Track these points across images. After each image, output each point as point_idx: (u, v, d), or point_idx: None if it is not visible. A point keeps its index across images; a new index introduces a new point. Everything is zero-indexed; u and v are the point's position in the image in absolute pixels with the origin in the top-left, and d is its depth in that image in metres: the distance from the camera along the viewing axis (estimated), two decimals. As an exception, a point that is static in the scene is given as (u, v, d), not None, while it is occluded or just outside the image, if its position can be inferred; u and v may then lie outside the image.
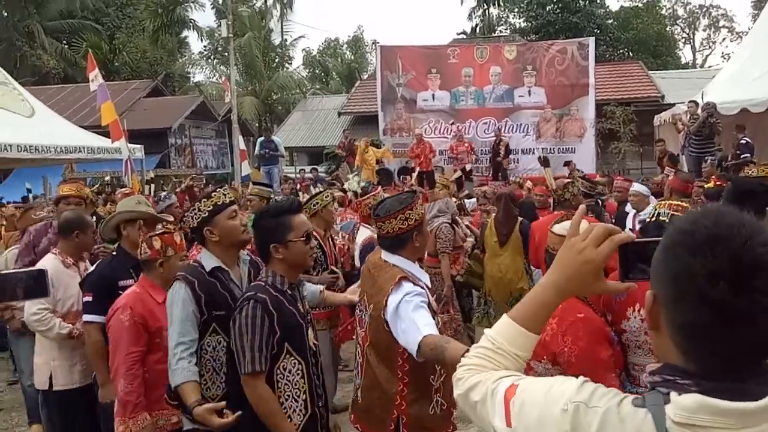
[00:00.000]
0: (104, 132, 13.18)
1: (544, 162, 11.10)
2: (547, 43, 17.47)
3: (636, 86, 20.45)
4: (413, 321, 2.37)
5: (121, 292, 3.31)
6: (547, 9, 30.32)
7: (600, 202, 7.15)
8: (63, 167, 14.74)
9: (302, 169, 18.94)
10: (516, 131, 15.64)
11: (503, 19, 37.28)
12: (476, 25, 36.29)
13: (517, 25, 34.40)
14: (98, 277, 3.51)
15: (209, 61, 33.11)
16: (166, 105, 24.37)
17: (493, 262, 5.93)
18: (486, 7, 36.21)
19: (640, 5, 36.62)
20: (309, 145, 24.69)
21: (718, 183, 7.28)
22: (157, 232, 3.22)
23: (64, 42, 30.43)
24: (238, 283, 2.81)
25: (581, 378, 1.09)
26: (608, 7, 33.81)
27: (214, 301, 2.67)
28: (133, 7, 32.75)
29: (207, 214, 2.74)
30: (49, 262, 3.79)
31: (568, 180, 5.53)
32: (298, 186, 13.01)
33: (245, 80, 28.63)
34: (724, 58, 38.84)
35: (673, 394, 0.96)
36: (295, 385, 2.54)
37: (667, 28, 37.55)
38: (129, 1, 33.32)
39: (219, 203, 2.77)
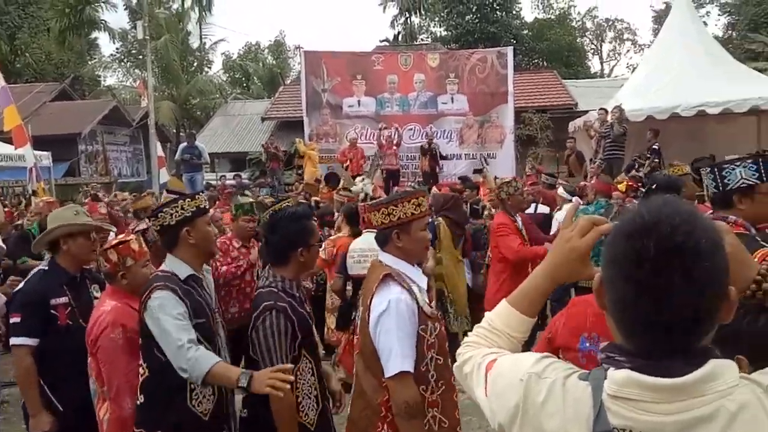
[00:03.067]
0: (6, 138, 12.31)
1: (480, 170, 11.30)
2: (469, 51, 17.88)
3: (551, 94, 21.29)
4: (393, 344, 2.31)
5: (53, 311, 3.16)
6: (466, 19, 31.10)
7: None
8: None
9: (223, 176, 18.39)
10: (440, 137, 15.86)
11: (425, 28, 37.91)
12: (398, 33, 36.64)
13: (438, 34, 35.04)
14: (27, 296, 3.22)
15: (122, 64, 31.66)
16: (76, 109, 23.11)
17: (450, 264, 5.90)
18: (408, 15, 36.65)
19: (552, 17, 38.28)
20: (231, 150, 24.07)
21: (630, 185, 7.64)
22: (112, 244, 3.07)
23: (-41, 41, 28.28)
24: (209, 292, 2.75)
25: (542, 354, 1.21)
26: (523, 18, 35.14)
27: (195, 309, 2.58)
28: (37, 6, 30.81)
29: (190, 213, 2.63)
30: None
31: (506, 180, 5.60)
32: (220, 193, 12.61)
33: (162, 84, 27.58)
34: (629, 69, 41.15)
35: (611, 370, 1.06)
36: (310, 384, 2.61)
37: (578, 40, 39.36)
38: (32, 0, 31.38)
39: (201, 206, 2.69)
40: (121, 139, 24.45)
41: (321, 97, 16.62)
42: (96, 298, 3.39)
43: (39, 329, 3.13)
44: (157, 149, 17.51)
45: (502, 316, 1.40)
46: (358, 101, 16.71)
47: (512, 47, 18.13)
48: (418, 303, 2.40)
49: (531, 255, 5.04)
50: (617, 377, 1.04)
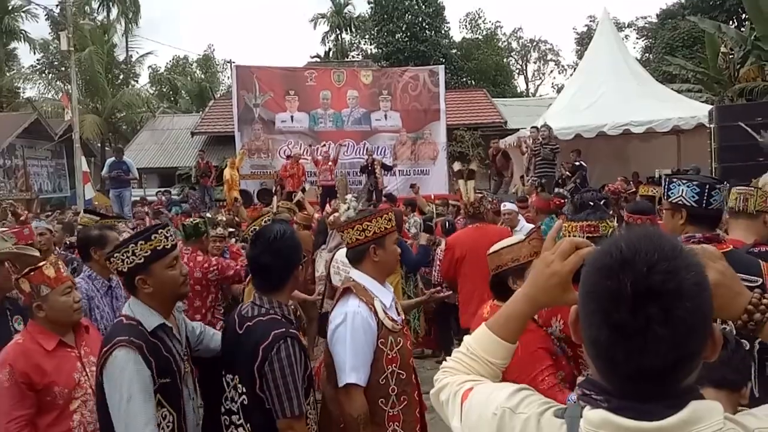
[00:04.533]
0: None
1: (414, 187, 11.55)
2: (401, 69, 18.30)
3: (482, 112, 22.03)
4: (345, 357, 2.37)
5: None
6: (396, 37, 31.74)
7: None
8: None
9: (167, 190, 17.96)
10: (375, 153, 16.07)
11: (355, 45, 38.35)
12: (329, 50, 36.97)
13: (369, 51, 35.53)
14: None
15: (43, 75, 30.38)
16: (-7, 122, 21.97)
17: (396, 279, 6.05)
18: (339, 32, 37.07)
19: (480, 37, 39.57)
20: (160, 166, 23.49)
21: (555, 202, 7.92)
22: (23, 273, 2.71)
23: None
24: (179, 337, 2.39)
25: (518, 386, 1.16)
26: (452, 37, 36.14)
27: (162, 368, 2.22)
28: (-50, 13, 29.25)
29: (142, 260, 2.25)
30: None
31: (481, 194, 5.79)
32: (154, 209, 12.36)
33: (86, 97, 26.64)
34: (554, 88, 43.10)
35: (587, 409, 1.00)
36: (314, 417, 2.43)
37: (504, 60, 40.82)
38: (-56, 7, 29.74)
39: (158, 248, 2.28)
40: (42, 154, 23.40)
41: (253, 112, 16.56)
42: (18, 331, 3.05)
43: None
44: (82, 164, 16.90)
45: (481, 342, 1.33)
46: (291, 117, 16.77)
47: (443, 66, 18.66)
48: (377, 317, 2.44)
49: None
50: (593, 418, 0.98)
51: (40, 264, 2.78)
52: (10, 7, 27.10)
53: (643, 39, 34.68)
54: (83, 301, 3.06)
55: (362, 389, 2.37)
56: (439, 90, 16.80)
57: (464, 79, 34.37)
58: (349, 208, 7.14)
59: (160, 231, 2.33)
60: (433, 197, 10.79)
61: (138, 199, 16.14)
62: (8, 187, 20.94)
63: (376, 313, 2.43)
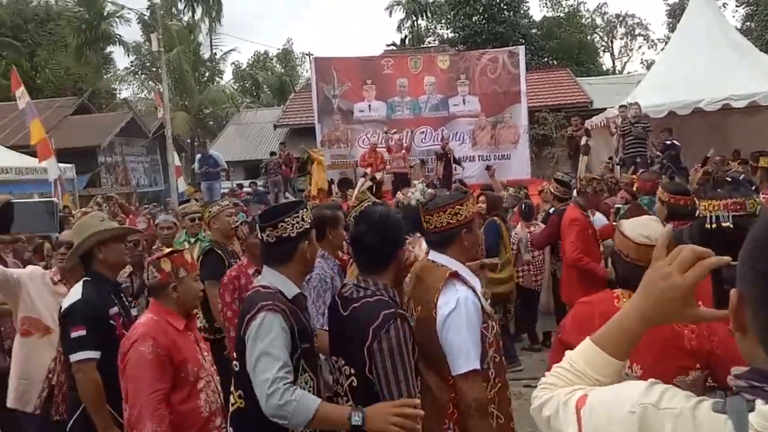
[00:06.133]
0: (30, 152, 12.65)
1: (489, 170, 11.32)
2: (479, 52, 17.95)
3: (566, 93, 21.24)
4: (463, 343, 2.31)
5: (112, 321, 3.05)
6: (474, 20, 31.15)
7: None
8: (-14, 190, 13.99)
9: (239, 184, 18.66)
10: (452, 140, 15.93)
11: (431, 30, 38.06)
12: (405, 37, 36.87)
13: (445, 36, 35.16)
14: (88, 308, 3.02)
15: (137, 76, 32.16)
16: (95, 122, 23.59)
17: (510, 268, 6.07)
18: (414, 18, 36.90)
19: (561, 15, 38.22)
20: (245, 158, 24.37)
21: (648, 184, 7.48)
22: (165, 253, 2.90)
23: (-21, 60, 28.93)
24: (309, 312, 2.53)
25: (650, 380, 1.04)
26: (532, 17, 35.11)
27: (302, 332, 2.29)
28: (54, 23, 31.43)
29: (309, 225, 2.39)
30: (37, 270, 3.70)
31: (593, 176, 5.68)
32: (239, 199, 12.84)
33: (176, 95, 27.98)
34: (643, 64, 41.04)
35: (759, 402, 0.88)
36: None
37: (588, 37, 39.27)
38: (49, 17, 31.97)
39: (311, 221, 2.45)
40: (138, 150, 24.89)
41: (332, 103, 16.78)
42: (131, 306, 3.38)
43: (102, 342, 2.98)
44: (174, 159, 17.83)
45: (587, 357, 1.22)
46: (369, 106, 16.85)
47: (523, 46, 18.19)
48: (480, 302, 2.41)
49: (586, 269, 5.03)
50: None
51: (181, 248, 3.05)
52: (105, 13, 28.76)
53: (743, 6, 32.31)
54: (326, 281, 3.22)
55: (480, 374, 2.34)
56: (519, 71, 16.35)
57: (546, 60, 33.34)
58: (416, 191, 7.07)
59: (306, 206, 2.47)
60: (506, 182, 10.58)
61: (227, 190, 16.88)
62: (110, 182, 22.41)
63: (479, 298, 2.41)
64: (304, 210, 2.39)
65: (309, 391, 2.26)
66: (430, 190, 9.50)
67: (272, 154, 16.45)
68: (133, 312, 3.54)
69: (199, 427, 2.74)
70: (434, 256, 2.52)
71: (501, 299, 6.25)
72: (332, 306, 2.46)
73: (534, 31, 34.13)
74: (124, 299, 3.39)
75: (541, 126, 18.16)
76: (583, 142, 11.29)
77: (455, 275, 2.40)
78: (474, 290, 2.41)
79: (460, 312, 2.32)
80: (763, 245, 0.90)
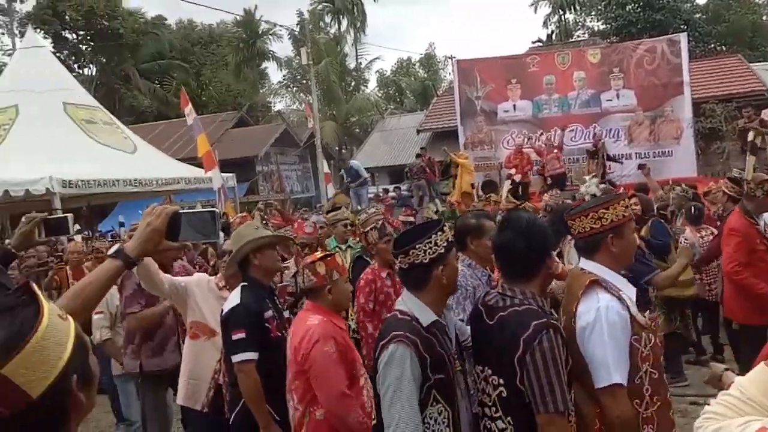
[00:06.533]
0: (197, 164, 13.79)
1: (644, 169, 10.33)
2: (634, 43, 16.78)
3: (737, 81, 19.01)
4: (604, 355, 2.15)
5: (267, 325, 3.23)
6: (627, 9, 29.19)
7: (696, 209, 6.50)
8: (162, 199, 15.47)
9: (397, 187, 19.04)
10: (606, 137, 14.98)
11: (580, 24, 36.33)
12: (552, 32, 35.52)
13: (596, 28, 33.36)
14: (247, 311, 3.21)
15: (289, 89, 34.16)
16: (252, 134, 25.42)
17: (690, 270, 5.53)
18: (562, 12, 35.42)
19: (730, -4, 34.64)
20: (389, 164, 24.82)
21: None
22: (319, 257, 3.04)
23: (156, 82, 32.32)
24: (450, 336, 2.41)
25: None
26: (695, 0, 32.20)
27: (436, 363, 2.24)
28: (216, 44, 34.39)
29: (443, 250, 2.29)
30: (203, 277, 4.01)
31: (765, 177, 5.07)
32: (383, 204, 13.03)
33: (324, 105, 29.30)
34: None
35: None
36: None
37: (764, 17, 35.21)
38: (212, 39, 35.02)
39: (450, 240, 2.34)
40: (291, 159, 26.39)
41: (475, 105, 16.56)
42: (296, 306, 3.52)
43: (259, 343, 3.16)
44: (324, 166, 18.58)
45: (760, 384, 1.13)
46: (514, 105, 16.43)
47: (685, 33, 16.70)
48: (629, 311, 2.23)
49: (744, 284, 4.42)
50: None
51: (332, 252, 3.20)
52: (260, 32, 30.87)
53: None
54: (468, 289, 3.14)
55: (626, 389, 2.17)
56: (681, 61, 15.04)
57: (713, 46, 30.44)
58: (590, 186, 6.64)
59: (446, 225, 2.40)
60: (671, 182, 9.63)
61: (372, 195, 17.30)
62: (267, 189, 23.95)
63: (627, 307, 2.22)
64: (438, 233, 2.29)
65: (443, 422, 2.23)
66: (603, 185, 8.93)
67: (418, 155, 16.54)
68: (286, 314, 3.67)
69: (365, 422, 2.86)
70: (583, 263, 2.39)
71: (679, 305, 5.87)
72: (475, 314, 2.40)
73: (698, 15, 31.30)
74: (278, 302, 3.56)
75: (708, 119, 16.45)
76: (750, 137, 9.97)
77: (597, 282, 2.25)
78: (620, 298, 2.23)
79: (599, 322, 2.17)
80: None
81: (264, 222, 7.61)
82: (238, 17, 31.07)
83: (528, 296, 2.22)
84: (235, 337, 3.15)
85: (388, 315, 2.50)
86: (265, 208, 11.37)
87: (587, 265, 2.36)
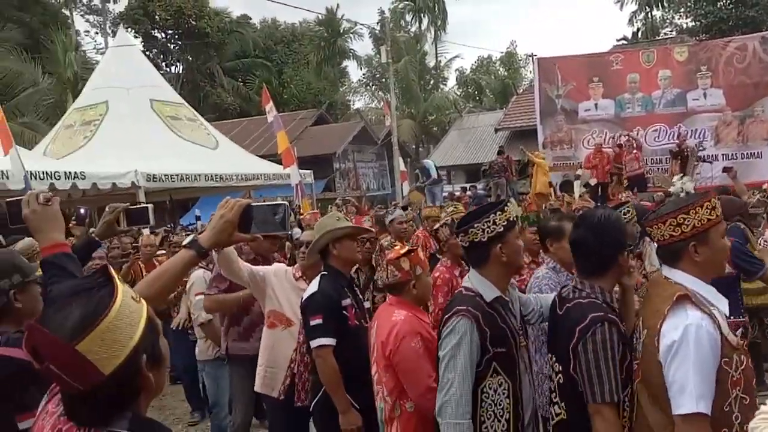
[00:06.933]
0: (276, 160, 14.30)
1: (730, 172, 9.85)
2: (724, 41, 16.06)
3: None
4: (687, 379, 1.96)
5: (345, 312, 3.30)
6: (718, 5, 27.83)
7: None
8: (242, 194, 16.14)
9: (473, 185, 19.12)
10: (691, 137, 14.47)
11: (668, 21, 34.89)
12: (638, 30, 34.28)
13: (684, 26, 31.95)
14: (325, 298, 3.29)
15: (368, 87, 34.65)
16: (330, 132, 25.95)
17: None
18: (648, 9, 34.12)
19: (835, -12, 32.34)
20: (466, 162, 24.80)
21: None
22: (403, 252, 3.06)
23: (239, 80, 33.57)
24: (514, 311, 2.52)
25: None
26: (793, -5, 30.25)
27: (497, 337, 2.37)
28: (298, 43, 35.34)
29: (502, 228, 2.39)
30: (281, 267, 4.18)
31: None
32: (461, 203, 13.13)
33: (402, 104, 29.55)
34: None
35: None
36: (628, 415, 2.25)
37: None
38: (294, 38, 36.01)
39: (511, 219, 2.44)
40: (368, 157, 26.78)
41: (555, 104, 16.33)
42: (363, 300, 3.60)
43: (337, 330, 3.22)
44: (400, 164, 18.82)
45: None
46: (596, 104, 16.08)
47: (779, 30, 15.85)
48: (721, 331, 2.02)
49: None
50: None
51: (415, 247, 3.25)
52: (341, 30, 31.50)
53: None
54: (545, 292, 3.15)
55: (708, 420, 1.96)
56: (774, 59, 14.30)
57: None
58: (685, 182, 6.35)
59: (508, 203, 2.53)
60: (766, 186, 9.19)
61: (446, 194, 17.41)
62: (343, 186, 24.46)
63: (719, 327, 2.01)
64: (498, 213, 2.40)
65: (503, 392, 2.39)
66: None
67: (499, 153, 16.51)
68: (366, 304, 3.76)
69: None
70: (666, 271, 2.20)
71: (756, 312, 5.64)
72: (552, 305, 2.50)
73: (796, 10, 29.39)
74: (358, 293, 3.63)
75: (803, 118, 15.58)
76: None
77: (687, 297, 2.05)
78: (712, 316, 2.03)
79: (686, 342, 1.97)
80: None
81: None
82: (320, 16, 31.90)
83: (597, 290, 2.27)
84: (312, 322, 3.24)
85: (455, 292, 2.65)
86: (342, 205, 11.75)
87: (673, 274, 2.16)
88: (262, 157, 16.81)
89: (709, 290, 2.12)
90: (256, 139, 23.55)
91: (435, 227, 5.00)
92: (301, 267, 4.08)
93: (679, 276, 2.13)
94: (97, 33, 35.02)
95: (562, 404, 2.32)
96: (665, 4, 33.70)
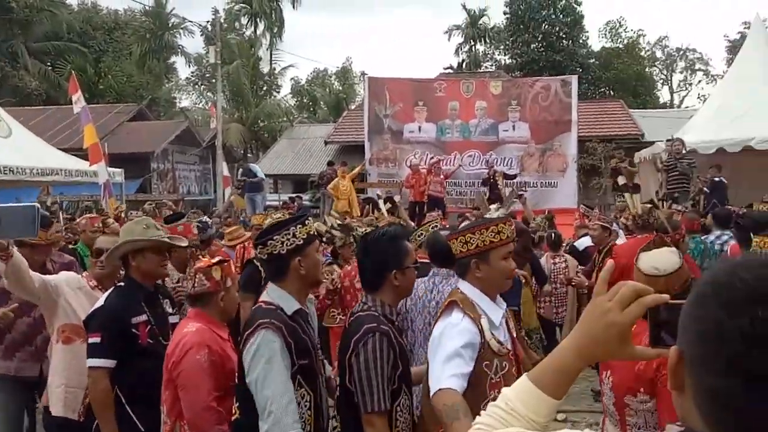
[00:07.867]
0: (85, 155, 12.99)
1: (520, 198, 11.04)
2: (532, 79, 17.78)
3: (617, 124, 20.77)
4: (442, 364, 2.15)
5: (134, 330, 3.00)
6: (532, 47, 30.96)
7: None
8: (39, 189, 14.41)
9: (299, 196, 18.85)
10: (500, 164, 15.71)
11: (489, 56, 37.95)
12: (463, 61, 36.86)
13: (503, 62, 34.99)
14: (109, 316, 3.00)
15: (196, 87, 33.16)
16: (150, 129, 24.23)
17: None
18: (473, 43, 36.87)
19: (620, 46, 37.51)
20: (294, 172, 24.64)
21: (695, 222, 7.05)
22: (215, 261, 2.86)
23: (48, 64, 30.26)
24: (313, 326, 2.55)
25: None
26: (590, 47, 34.62)
27: (301, 350, 2.36)
28: (121, 32, 32.79)
29: (302, 241, 2.40)
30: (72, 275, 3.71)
31: (651, 205, 5.52)
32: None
33: (232, 107, 28.69)
34: (700, 99, 39.65)
35: None
36: (407, 423, 2.37)
37: (646, 69, 38.38)
38: (117, 26, 33.38)
39: (311, 233, 2.47)
40: (191, 159, 25.49)
41: (383, 123, 16.83)
42: (170, 313, 3.29)
43: (118, 350, 2.96)
44: (223, 169, 18.14)
45: (525, 398, 1.17)
46: (419, 127, 16.83)
47: (577, 75, 17.95)
48: (483, 336, 2.25)
49: None
50: None
51: (227, 258, 3.07)
52: (170, 24, 29.82)
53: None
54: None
55: (456, 393, 2.09)
56: (571, 100, 16.06)
57: (603, 90, 32.82)
58: (498, 211, 6.92)
59: (310, 218, 2.55)
60: (547, 211, 10.38)
61: (276, 203, 17.07)
62: (160, 188, 22.99)
63: (481, 331, 2.24)
64: (299, 226, 2.41)
65: (305, 405, 2.36)
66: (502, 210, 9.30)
67: (330, 164, 16.50)
68: (173, 319, 3.37)
69: None
70: (460, 283, 2.47)
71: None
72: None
73: (592, 60, 33.67)
74: (163, 306, 3.31)
75: (590, 156, 17.83)
76: (621, 182, 10.93)
77: (454, 303, 2.32)
78: (476, 321, 2.25)
79: (447, 337, 2.22)
80: (705, 304, 0.81)
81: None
82: (147, 7, 29.95)
83: (377, 303, 2.39)
84: (90, 341, 2.97)
85: (253, 307, 2.55)
86: (155, 209, 10.91)
87: (461, 284, 2.41)
88: (67, 150, 15.14)
89: (485, 301, 2.35)
90: (62, 130, 21.18)
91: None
92: (93, 275, 3.69)
93: (464, 287, 2.38)
94: None
95: (339, 417, 2.40)
96: (487, 40, 36.70)
